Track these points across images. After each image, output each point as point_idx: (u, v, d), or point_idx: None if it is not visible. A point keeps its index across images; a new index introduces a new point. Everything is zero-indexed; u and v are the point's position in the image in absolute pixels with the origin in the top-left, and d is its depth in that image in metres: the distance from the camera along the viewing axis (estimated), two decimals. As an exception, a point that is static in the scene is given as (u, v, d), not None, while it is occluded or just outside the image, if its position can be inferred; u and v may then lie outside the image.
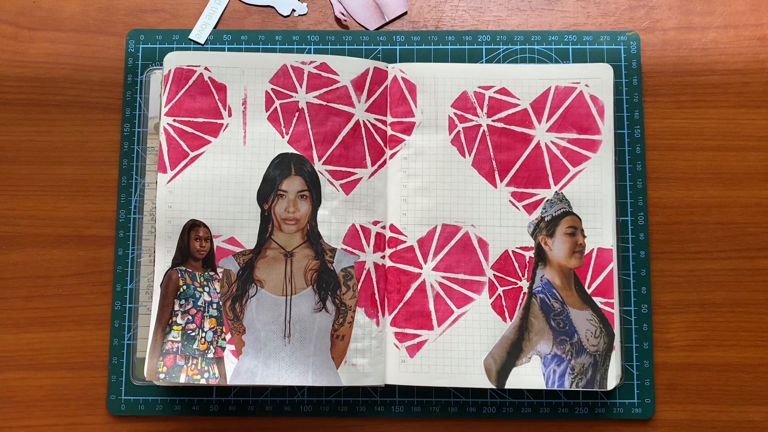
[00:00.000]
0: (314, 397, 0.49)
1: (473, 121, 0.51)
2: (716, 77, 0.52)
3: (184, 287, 0.48)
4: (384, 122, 0.51)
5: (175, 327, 0.48)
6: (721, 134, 0.52)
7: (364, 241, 0.49)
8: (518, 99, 0.51)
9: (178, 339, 0.47)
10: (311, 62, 0.50)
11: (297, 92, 0.50)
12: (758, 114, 0.52)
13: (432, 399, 0.49)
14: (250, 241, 0.49)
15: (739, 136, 0.52)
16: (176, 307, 0.48)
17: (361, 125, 0.50)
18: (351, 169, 0.50)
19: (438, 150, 0.50)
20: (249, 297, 0.48)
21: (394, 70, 0.51)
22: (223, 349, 0.48)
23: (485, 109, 0.51)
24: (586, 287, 0.49)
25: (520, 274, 0.49)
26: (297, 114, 0.50)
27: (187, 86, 0.50)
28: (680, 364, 0.50)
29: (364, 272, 0.49)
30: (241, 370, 0.47)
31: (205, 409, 0.49)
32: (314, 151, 0.50)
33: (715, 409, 0.49)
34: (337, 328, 0.48)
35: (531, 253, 0.49)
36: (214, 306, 0.48)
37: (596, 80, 0.51)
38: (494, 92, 0.51)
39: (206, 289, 0.48)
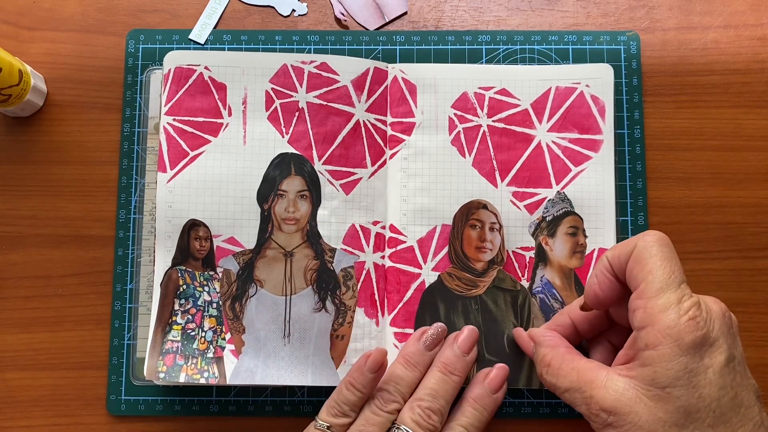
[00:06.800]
0: (314, 397, 0.49)
1: (473, 121, 0.51)
2: (716, 77, 0.52)
3: (184, 287, 0.48)
4: (384, 122, 0.51)
5: (174, 326, 0.48)
6: (721, 134, 0.52)
7: (363, 241, 0.49)
8: (518, 99, 0.51)
9: (178, 338, 0.47)
10: (311, 62, 0.50)
11: (297, 92, 0.50)
12: (758, 114, 0.52)
13: (432, 399, 0.49)
14: (249, 240, 0.49)
15: (739, 136, 0.52)
16: (176, 307, 0.48)
17: (361, 125, 0.50)
18: (351, 169, 0.50)
19: (438, 150, 0.50)
20: (249, 297, 0.48)
21: (394, 70, 0.51)
22: (223, 348, 0.48)
23: (485, 110, 0.51)
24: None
25: (520, 275, 0.49)
26: (297, 114, 0.50)
27: (187, 85, 0.50)
28: (680, 364, 0.49)
29: (364, 272, 0.49)
30: (240, 369, 0.47)
31: (205, 409, 0.49)
32: (314, 151, 0.50)
33: (715, 409, 0.49)
34: (336, 328, 0.48)
35: (531, 254, 0.49)
36: (214, 305, 0.48)
37: (596, 80, 0.51)
38: (494, 93, 0.51)
39: (206, 288, 0.48)
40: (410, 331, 0.48)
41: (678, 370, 0.35)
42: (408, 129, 0.51)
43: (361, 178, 0.50)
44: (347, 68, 0.50)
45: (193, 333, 0.48)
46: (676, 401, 0.35)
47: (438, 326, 0.47)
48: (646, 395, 0.36)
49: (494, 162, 0.50)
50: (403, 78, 0.51)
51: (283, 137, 0.50)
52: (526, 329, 0.47)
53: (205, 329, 0.48)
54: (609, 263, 0.41)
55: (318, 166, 0.50)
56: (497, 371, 0.46)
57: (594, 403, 0.37)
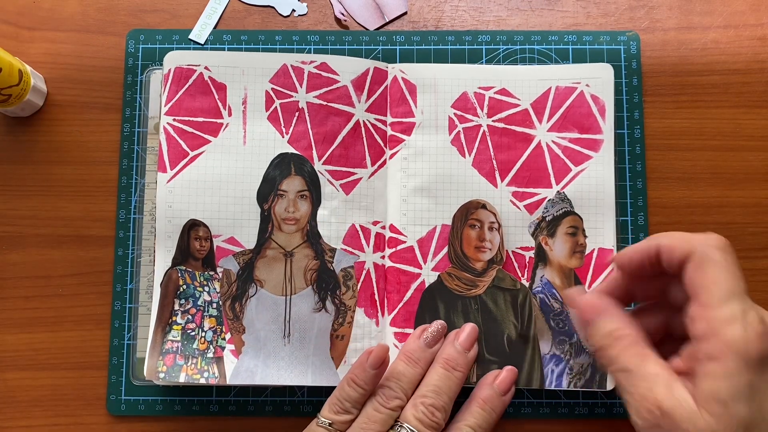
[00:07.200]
0: (314, 397, 0.49)
1: (473, 121, 0.51)
2: (716, 77, 0.52)
3: (184, 287, 0.48)
4: (384, 122, 0.51)
5: (174, 326, 0.48)
6: (721, 134, 0.52)
7: (363, 241, 0.49)
8: (518, 99, 0.51)
9: (178, 338, 0.47)
10: (311, 62, 0.50)
11: (297, 92, 0.50)
12: (758, 114, 0.52)
13: (432, 399, 0.49)
14: (249, 240, 0.49)
15: (739, 136, 0.52)
16: (176, 307, 0.48)
17: (361, 125, 0.50)
18: (351, 169, 0.50)
19: (438, 150, 0.50)
20: (249, 297, 0.48)
21: (394, 70, 0.51)
22: (223, 348, 0.48)
23: (485, 110, 0.51)
24: (586, 287, 0.49)
25: (520, 275, 0.49)
26: (297, 114, 0.50)
27: (186, 85, 0.50)
28: (680, 364, 0.49)
29: (364, 272, 0.49)
30: (240, 369, 0.47)
31: (205, 409, 0.49)
32: (314, 151, 0.50)
33: (715, 409, 0.49)
34: (336, 328, 0.48)
35: (531, 253, 0.49)
36: (214, 305, 0.48)
37: (597, 80, 0.51)
38: (494, 93, 0.51)
39: (206, 288, 0.48)
40: (410, 331, 0.48)
41: (741, 385, 0.34)
42: (408, 129, 0.51)
43: (361, 178, 0.50)
44: (347, 68, 0.50)
45: (193, 333, 0.48)
46: (736, 415, 0.34)
47: (438, 323, 0.47)
48: (706, 408, 0.34)
49: (494, 162, 0.50)
50: (403, 78, 0.51)
51: (283, 137, 0.50)
52: (526, 329, 0.47)
53: (205, 329, 0.48)
54: (659, 250, 0.38)
55: (318, 166, 0.50)
56: (506, 374, 0.47)
57: (653, 398, 0.36)
